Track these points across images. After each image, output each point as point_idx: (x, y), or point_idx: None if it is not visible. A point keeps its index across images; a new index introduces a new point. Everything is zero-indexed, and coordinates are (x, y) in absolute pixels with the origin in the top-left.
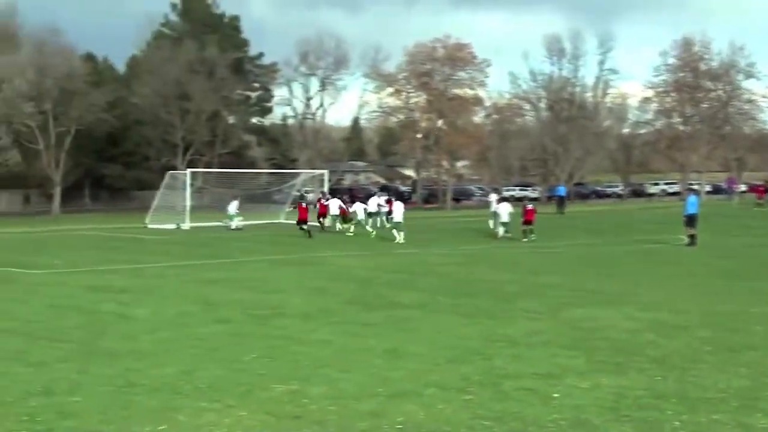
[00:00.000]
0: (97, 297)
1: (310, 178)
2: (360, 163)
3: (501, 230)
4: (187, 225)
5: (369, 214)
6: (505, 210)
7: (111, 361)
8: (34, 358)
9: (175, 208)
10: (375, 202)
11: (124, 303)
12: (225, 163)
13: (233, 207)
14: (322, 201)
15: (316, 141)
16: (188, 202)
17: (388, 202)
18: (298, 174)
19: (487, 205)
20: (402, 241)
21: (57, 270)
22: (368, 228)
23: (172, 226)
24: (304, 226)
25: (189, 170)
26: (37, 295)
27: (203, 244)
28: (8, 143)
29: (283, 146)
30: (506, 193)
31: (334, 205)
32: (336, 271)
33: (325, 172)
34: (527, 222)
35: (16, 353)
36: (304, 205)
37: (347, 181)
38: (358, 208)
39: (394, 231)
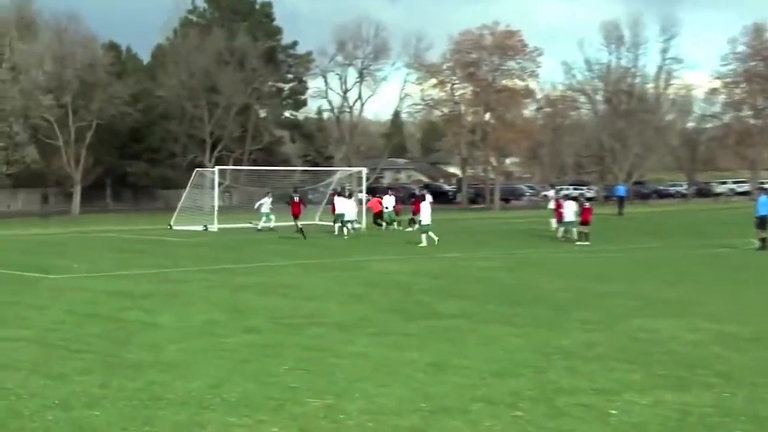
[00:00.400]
0: (119, 303)
1: (347, 176)
2: (401, 161)
3: (561, 230)
4: (215, 226)
5: (383, 214)
6: (570, 209)
7: (134, 372)
8: (52, 369)
9: (203, 208)
10: (352, 202)
11: (148, 310)
12: (256, 160)
13: (266, 205)
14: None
15: (354, 136)
16: (216, 202)
17: (414, 202)
18: (334, 172)
19: (538, 204)
20: (425, 244)
21: (76, 274)
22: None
23: (199, 228)
24: (297, 223)
25: (217, 168)
26: (56, 302)
27: (232, 247)
28: (25, 139)
29: (318, 142)
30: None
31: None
32: (374, 276)
33: (363, 169)
34: (584, 222)
35: (33, 364)
36: (296, 199)
37: (387, 179)
38: (345, 206)
39: (423, 235)
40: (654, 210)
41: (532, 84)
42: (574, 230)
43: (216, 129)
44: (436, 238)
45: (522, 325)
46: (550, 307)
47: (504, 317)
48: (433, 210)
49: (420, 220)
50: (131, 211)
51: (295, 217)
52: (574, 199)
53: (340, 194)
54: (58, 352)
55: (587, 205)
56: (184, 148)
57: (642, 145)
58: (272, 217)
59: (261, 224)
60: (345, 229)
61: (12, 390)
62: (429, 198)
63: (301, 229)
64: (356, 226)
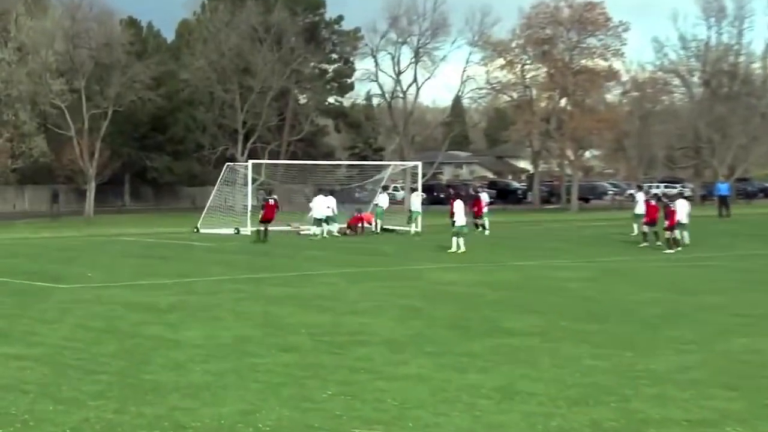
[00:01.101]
0: (139, 317)
1: (399, 172)
2: (462, 154)
3: (685, 234)
4: (247, 229)
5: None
6: (683, 209)
7: (155, 397)
8: (63, 392)
9: (234, 208)
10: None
11: (172, 325)
12: (295, 152)
13: (327, 205)
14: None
15: (408, 125)
16: (250, 202)
17: (450, 200)
18: (384, 166)
19: (622, 205)
20: (455, 249)
21: (91, 284)
22: (314, 231)
23: (230, 231)
24: (262, 228)
25: (251, 162)
26: (68, 315)
27: (267, 253)
28: (33, 128)
29: (367, 132)
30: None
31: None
32: (430, 287)
33: (419, 164)
34: (672, 227)
35: (43, 386)
36: (271, 202)
37: (446, 175)
38: (320, 205)
39: (454, 238)
40: (760, 211)
41: (617, 64)
42: (686, 234)
43: (249, 117)
44: (462, 247)
45: (603, 344)
46: (637, 324)
47: (582, 335)
48: (497, 211)
49: (454, 222)
50: (152, 212)
51: (265, 221)
52: (686, 197)
53: (320, 191)
54: (69, 372)
55: (672, 206)
56: (213, 139)
57: (746, 135)
58: (380, 220)
59: (315, 230)
60: (321, 231)
61: (17, 416)
62: (485, 197)
63: (263, 231)
64: (333, 229)
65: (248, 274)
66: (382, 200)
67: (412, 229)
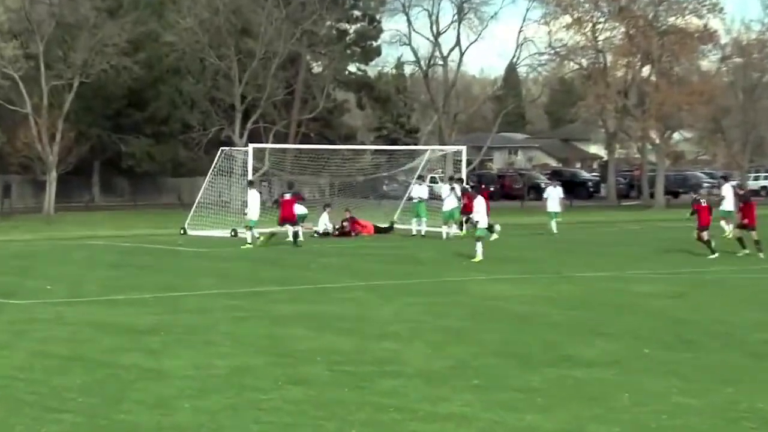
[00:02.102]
0: (112, 341)
1: (438, 159)
2: (518, 136)
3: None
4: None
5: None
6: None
7: None
8: None
9: (230, 204)
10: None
11: (153, 351)
12: (307, 135)
13: (418, 190)
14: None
15: (449, 100)
16: (251, 196)
17: (467, 196)
18: (419, 152)
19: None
20: (480, 257)
21: (52, 299)
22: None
23: (226, 233)
24: (287, 229)
25: (251, 146)
26: (23, 339)
27: (273, 261)
28: None
29: (398, 109)
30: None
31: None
32: (477, 303)
33: (462, 149)
34: (746, 226)
35: None
36: (287, 196)
37: (497, 162)
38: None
39: (478, 244)
40: None
41: (714, 23)
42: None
43: (249, 90)
44: (479, 255)
45: (696, 377)
46: (738, 352)
47: (669, 365)
48: (564, 208)
49: (475, 221)
50: (128, 209)
51: (285, 221)
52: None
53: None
54: (24, 410)
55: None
56: (205, 117)
57: None
58: (423, 218)
59: (417, 228)
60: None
61: None
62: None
63: (271, 235)
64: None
65: (249, 287)
66: (422, 191)
67: (447, 230)
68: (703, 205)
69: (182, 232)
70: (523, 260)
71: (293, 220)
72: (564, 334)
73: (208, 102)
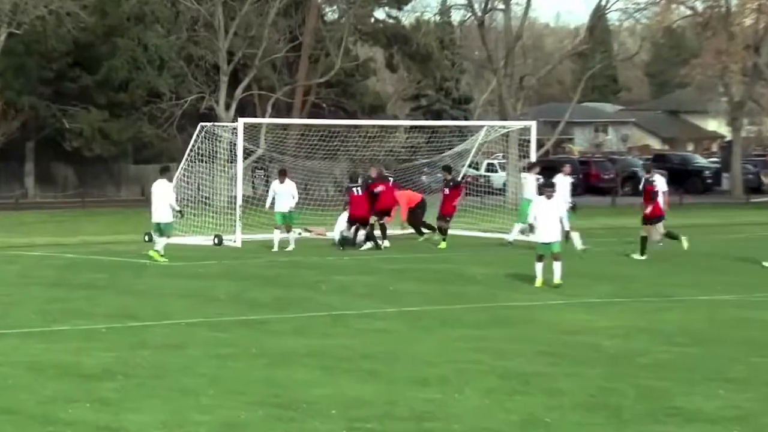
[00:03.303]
0: (53, 389)
1: (498, 139)
2: (608, 107)
3: None
4: (237, 237)
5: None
6: None
7: None
8: None
9: (213, 201)
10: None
11: (108, 402)
12: (318, 106)
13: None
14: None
15: (512, 59)
16: (240, 190)
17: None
18: (473, 129)
19: None
20: (541, 280)
21: None
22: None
23: (207, 240)
24: (372, 231)
25: (242, 121)
26: None
27: (269, 279)
28: None
29: (442, 71)
30: None
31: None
32: (548, 337)
33: (532, 125)
34: None
35: None
36: (356, 192)
37: (579, 142)
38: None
39: (539, 265)
40: None
41: None
42: None
43: (239, 44)
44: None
45: None
46: None
47: None
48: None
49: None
50: (74, 207)
51: (356, 220)
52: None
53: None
54: None
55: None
56: (178, 82)
57: None
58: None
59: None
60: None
61: None
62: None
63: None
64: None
65: (239, 314)
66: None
67: (511, 236)
68: None
69: (147, 238)
70: (614, 278)
71: (363, 219)
72: (671, 380)
73: (183, 61)
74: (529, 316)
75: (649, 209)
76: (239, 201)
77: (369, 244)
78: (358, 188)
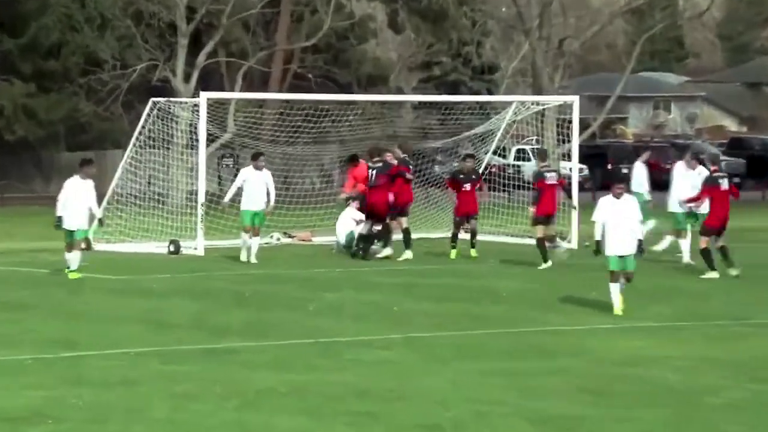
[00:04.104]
0: None
1: (532, 118)
2: (671, 78)
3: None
4: (198, 244)
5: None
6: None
7: None
8: None
9: (167, 198)
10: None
11: None
12: (301, 78)
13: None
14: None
15: (549, 18)
16: (202, 184)
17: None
18: (500, 106)
19: None
20: (619, 306)
21: None
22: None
23: (161, 248)
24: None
25: (205, 95)
26: None
27: (239, 296)
28: None
29: (460, 32)
30: None
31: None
32: (601, 372)
33: (574, 100)
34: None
35: None
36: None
37: (635, 124)
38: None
39: (614, 287)
40: None
41: None
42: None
43: None
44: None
45: None
46: None
47: None
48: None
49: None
50: None
51: (375, 213)
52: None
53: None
54: None
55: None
56: (123, 46)
57: None
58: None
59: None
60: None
61: None
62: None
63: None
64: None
65: (201, 342)
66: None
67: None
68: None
69: (84, 246)
70: (678, 295)
71: (383, 214)
72: (751, 425)
73: (131, 20)
74: (569, 344)
75: (535, 207)
76: (201, 198)
77: (387, 251)
78: (380, 171)
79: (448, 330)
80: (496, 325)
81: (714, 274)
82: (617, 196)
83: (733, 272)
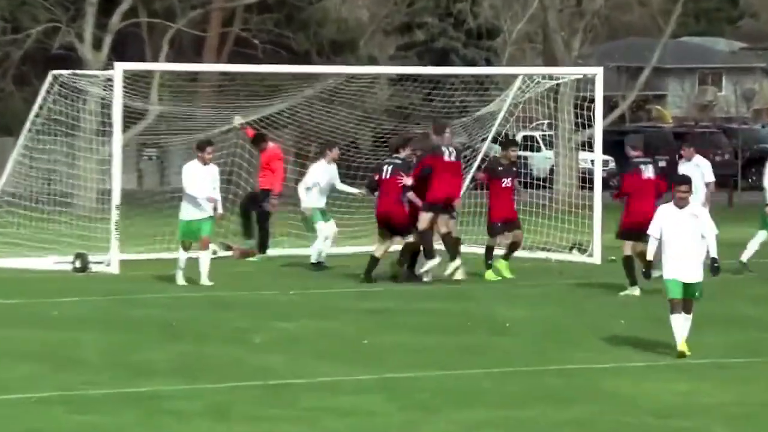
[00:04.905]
0: None
1: (544, 96)
2: (720, 45)
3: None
4: (112, 257)
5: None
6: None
7: None
8: None
9: (72, 198)
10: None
11: None
12: (247, 43)
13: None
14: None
15: None
16: (117, 180)
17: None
18: (502, 80)
19: None
20: (684, 348)
21: None
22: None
23: (62, 263)
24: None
25: (120, 66)
26: None
27: (166, 326)
28: None
29: None
30: None
31: None
32: (631, 422)
33: (598, 72)
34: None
35: None
36: (388, 173)
37: (675, 104)
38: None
39: (677, 321)
40: None
41: None
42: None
43: None
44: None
45: None
46: None
47: None
48: None
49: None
50: None
51: (385, 223)
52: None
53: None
54: None
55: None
56: (17, 5)
57: None
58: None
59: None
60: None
61: None
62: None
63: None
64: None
65: (118, 385)
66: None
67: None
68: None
69: None
70: (730, 323)
71: (405, 226)
72: None
73: None
74: (590, 388)
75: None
76: (116, 199)
77: (433, 262)
78: (396, 168)
79: (435, 369)
80: (496, 362)
81: (635, 291)
82: (680, 204)
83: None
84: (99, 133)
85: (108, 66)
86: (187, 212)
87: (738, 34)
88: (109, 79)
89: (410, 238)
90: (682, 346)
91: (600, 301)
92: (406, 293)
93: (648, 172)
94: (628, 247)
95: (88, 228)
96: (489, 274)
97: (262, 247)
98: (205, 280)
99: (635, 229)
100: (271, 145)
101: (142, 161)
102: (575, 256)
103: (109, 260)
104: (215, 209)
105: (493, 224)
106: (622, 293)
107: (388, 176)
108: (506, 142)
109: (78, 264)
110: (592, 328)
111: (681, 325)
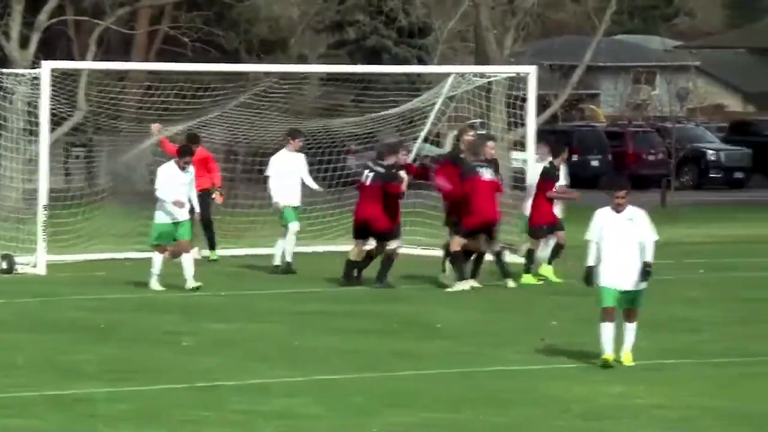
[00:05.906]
0: None
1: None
2: (654, 43)
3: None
4: (39, 258)
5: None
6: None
7: None
8: None
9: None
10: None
11: None
12: (176, 41)
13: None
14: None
15: None
16: (44, 180)
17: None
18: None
19: None
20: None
21: None
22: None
23: None
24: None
25: (48, 64)
26: None
27: (94, 328)
28: None
29: None
30: None
31: None
32: (565, 425)
33: (531, 71)
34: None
35: None
36: (367, 180)
37: (608, 103)
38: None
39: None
40: None
41: None
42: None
43: None
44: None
45: None
46: None
47: None
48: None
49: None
50: None
51: (365, 229)
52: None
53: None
54: None
55: None
56: None
57: None
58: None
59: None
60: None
61: None
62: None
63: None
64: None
65: (45, 388)
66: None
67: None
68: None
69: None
70: (664, 325)
71: (385, 231)
72: None
73: None
74: (527, 390)
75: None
76: (43, 199)
77: (463, 286)
78: (378, 176)
79: (369, 371)
80: (433, 365)
81: (464, 285)
82: (618, 208)
83: (510, 284)
84: (25, 131)
85: (35, 65)
86: (161, 215)
87: (673, 32)
88: (36, 78)
89: (392, 244)
90: (610, 356)
91: (532, 302)
92: (341, 295)
93: (487, 174)
94: (458, 244)
95: (13, 229)
96: (527, 278)
97: (212, 245)
98: (191, 283)
99: (478, 228)
100: (198, 147)
101: (70, 158)
102: (506, 257)
103: (35, 261)
104: (192, 211)
105: (539, 227)
106: (449, 289)
107: (368, 182)
108: (557, 149)
109: (4, 265)
110: (525, 329)
111: (611, 334)
